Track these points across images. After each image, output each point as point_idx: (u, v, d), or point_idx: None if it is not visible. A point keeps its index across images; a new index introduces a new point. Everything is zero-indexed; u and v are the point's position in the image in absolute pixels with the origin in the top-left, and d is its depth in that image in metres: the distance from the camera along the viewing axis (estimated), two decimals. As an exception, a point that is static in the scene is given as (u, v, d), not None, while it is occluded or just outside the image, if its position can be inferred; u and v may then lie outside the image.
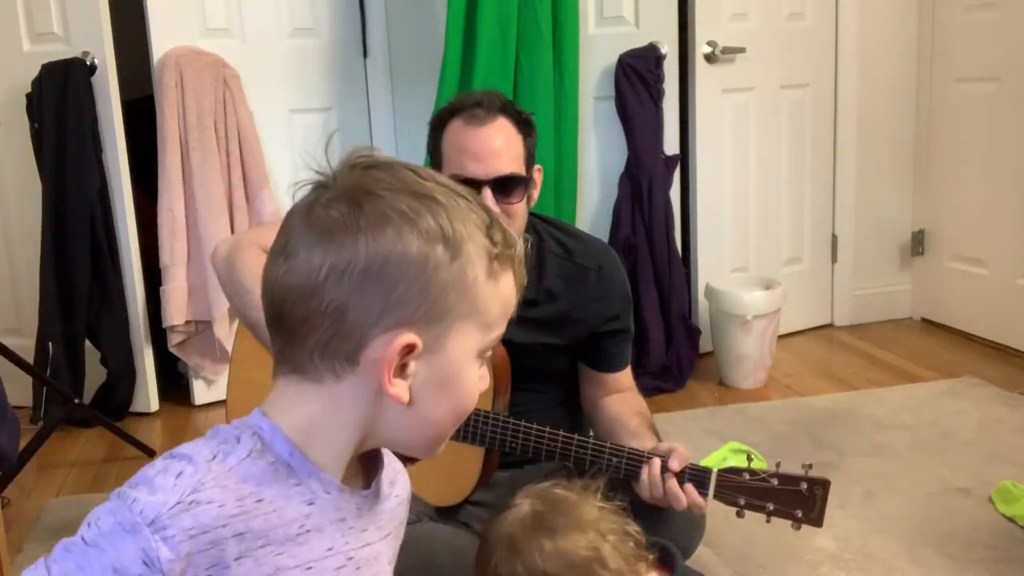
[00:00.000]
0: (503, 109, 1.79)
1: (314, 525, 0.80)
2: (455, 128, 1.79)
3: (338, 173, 0.80)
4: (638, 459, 1.64)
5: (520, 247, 0.84)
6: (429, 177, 0.81)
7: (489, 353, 0.85)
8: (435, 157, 1.84)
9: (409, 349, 0.78)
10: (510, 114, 1.80)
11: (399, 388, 0.79)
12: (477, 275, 0.80)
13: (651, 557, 1.21)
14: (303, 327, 0.78)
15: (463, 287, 0.79)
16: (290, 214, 0.82)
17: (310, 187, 0.81)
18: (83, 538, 0.74)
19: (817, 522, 1.55)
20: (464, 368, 0.82)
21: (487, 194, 1.74)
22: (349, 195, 0.78)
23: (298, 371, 0.80)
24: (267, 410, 0.81)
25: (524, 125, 1.82)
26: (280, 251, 0.80)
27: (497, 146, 1.76)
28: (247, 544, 0.76)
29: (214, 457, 0.77)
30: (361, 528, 0.85)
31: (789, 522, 1.57)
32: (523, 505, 1.21)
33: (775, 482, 1.56)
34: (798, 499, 1.55)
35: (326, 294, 0.77)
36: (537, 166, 1.85)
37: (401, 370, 0.79)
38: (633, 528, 1.20)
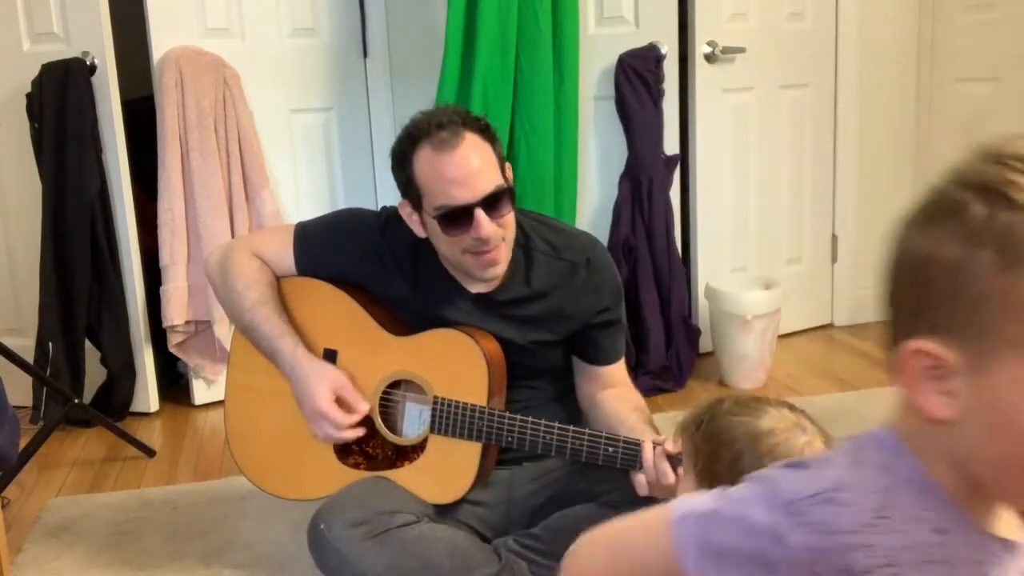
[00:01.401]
0: (465, 123, 1.74)
1: (943, 556, 0.71)
2: (426, 158, 1.73)
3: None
4: (634, 447, 1.65)
5: None
6: None
7: None
8: (409, 190, 1.78)
9: (929, 358, 0.68)
10: (471, 126, 1.75)
11: (925, 397, 0.69)
12: None
13: None
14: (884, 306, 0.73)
15: (1012, 306, 0.64)
16: None
17: None
18: (716, 505, 0.74)
19: None
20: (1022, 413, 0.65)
21: (480, 215, 1.71)
22: (938, 183, 0.70)
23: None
24: (894, 421, 0.76)
25: (487, 132, 1.77)
26: None
27: (476, 165, 1.72)
28: (873, 559, 0.69)
29: (851, 463, 0.73)
30: None
31: None
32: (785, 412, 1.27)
33: None
34: None
35: (891, 280, 0.71)
36: (507, 164, 1.82)
37: (940, 383, 0.69)
38: None
